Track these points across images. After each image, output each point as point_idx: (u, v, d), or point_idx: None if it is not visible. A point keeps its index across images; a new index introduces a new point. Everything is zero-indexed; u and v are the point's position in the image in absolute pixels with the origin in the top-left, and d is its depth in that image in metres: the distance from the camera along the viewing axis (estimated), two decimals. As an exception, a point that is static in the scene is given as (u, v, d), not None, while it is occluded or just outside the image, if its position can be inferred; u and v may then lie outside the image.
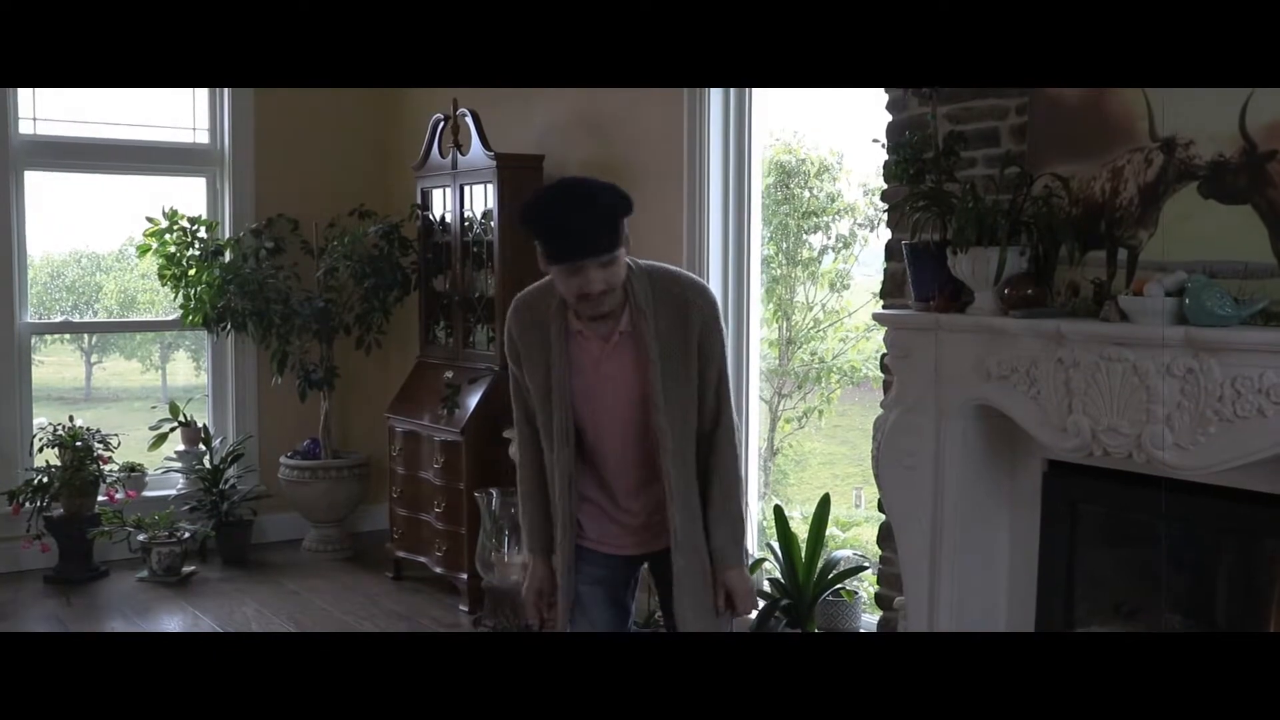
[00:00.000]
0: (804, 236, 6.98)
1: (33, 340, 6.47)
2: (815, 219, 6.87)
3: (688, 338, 2.83)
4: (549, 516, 3.03)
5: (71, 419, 6.19)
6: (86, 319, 7.15)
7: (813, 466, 7.85)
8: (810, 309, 7.26)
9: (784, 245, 6.96)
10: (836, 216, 6.83)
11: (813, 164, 6.67)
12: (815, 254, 7.14)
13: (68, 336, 7.17)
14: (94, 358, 7.73)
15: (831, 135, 6.65)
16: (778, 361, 7.27)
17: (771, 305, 7.02)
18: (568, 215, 2.69)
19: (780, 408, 7.37)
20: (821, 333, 7.40)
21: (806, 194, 6.81)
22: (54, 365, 7.66)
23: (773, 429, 7.26)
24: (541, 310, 2.90)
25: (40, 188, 6.43)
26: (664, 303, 2.83)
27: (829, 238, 6.94)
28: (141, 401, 6.63)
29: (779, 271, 7.01)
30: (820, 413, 7.30)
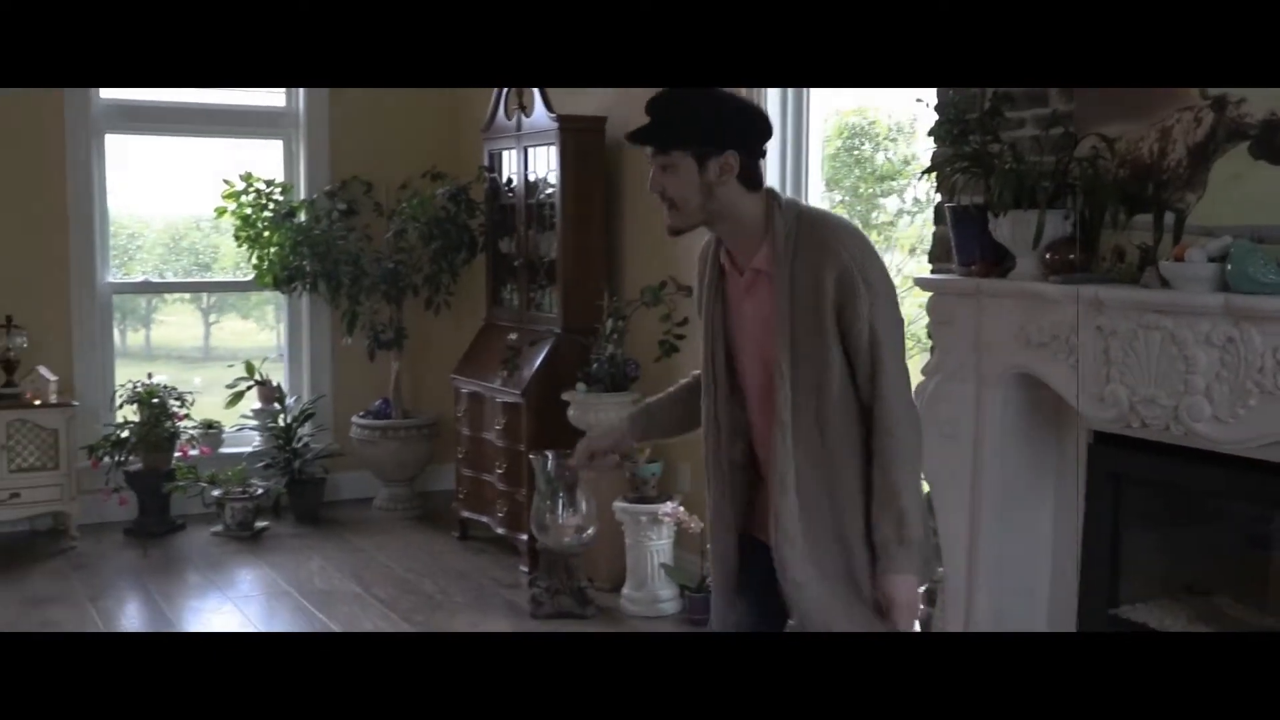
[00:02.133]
0: (878, 200, 6.85)
1: (152, 301, 6.69)
2: (889, 183, 6.73)
3: (822, 288, 2.50)
4: (662, 407, 2.91)
5: (150, 376, 6.35)
6: (204, 279, 7.36)
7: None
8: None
9: (857, 209, 6.83)
10: (912, 180, 6.68)
11: (884, 125, 6.52)
12: (891, 218, 7.00)
13: (187, 298, 7.39)
14: (211, 318, 7.91)
15: (905, 94, 6.49)
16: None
17: (845, 270, 6.90)
18: (658, 98, 2.58)
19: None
20: (900, 298, 7.28)
21: (880, 156, 6.67)
22: (175, 325, 7.88)
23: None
24: (707, 248, 2.75)
25: (143, 153, 6.66)
26: (805, 246, 2.54)
27: (904, 201, 6.80)
28: (256, 361, 6.78)
29: (853, 236, 6.89)
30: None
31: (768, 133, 2.62)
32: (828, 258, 2.50)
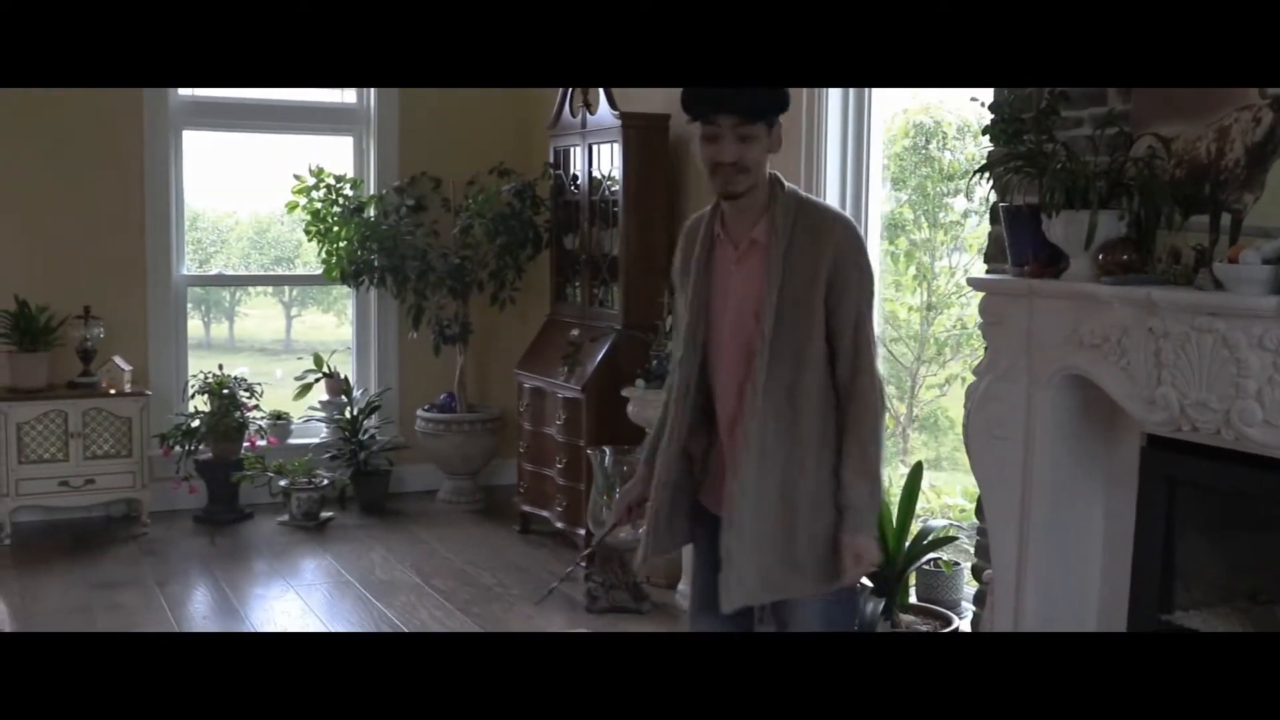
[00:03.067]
0: (945, 200, 6.79)
1: (236, 294, 6.84)
2: (956, 182, 6.67)
3: (817, 270, 2.72)
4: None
5: (221, 367, 6.49)
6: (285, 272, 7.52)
7: (956, 434, 7.66)
8: (953, 274, 7.06)
9: (924, 208, 6.79)
10: (977, 178, 6.62)
11: (951, 123, 6.47)
12: (959, 217, 6.94)
13: (269, 291, 7.55)
14: (293, 311, 8.07)
15: (969, 94, 6.44)
16: (918, 327, 7.11)
17: (912, 269, 6.86)
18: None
19: (921, 374, 7.22)
20: (966, 299, 7.21)
21: (947, 155, 6.61)
22: (258, 318, 8.06)
23: (912, 394, 7.11)
24: (697, 224, 2.94)
25: (221, 148, 6.83)
26: (802, 227, 2.75)
27: (971, 201, 6.73)
28: (328, 354, 6.91)
29: (919, 236, 6.84)
30: (962, 379, 7.12)
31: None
32: (826, 238, 2.73)
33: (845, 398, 2.78)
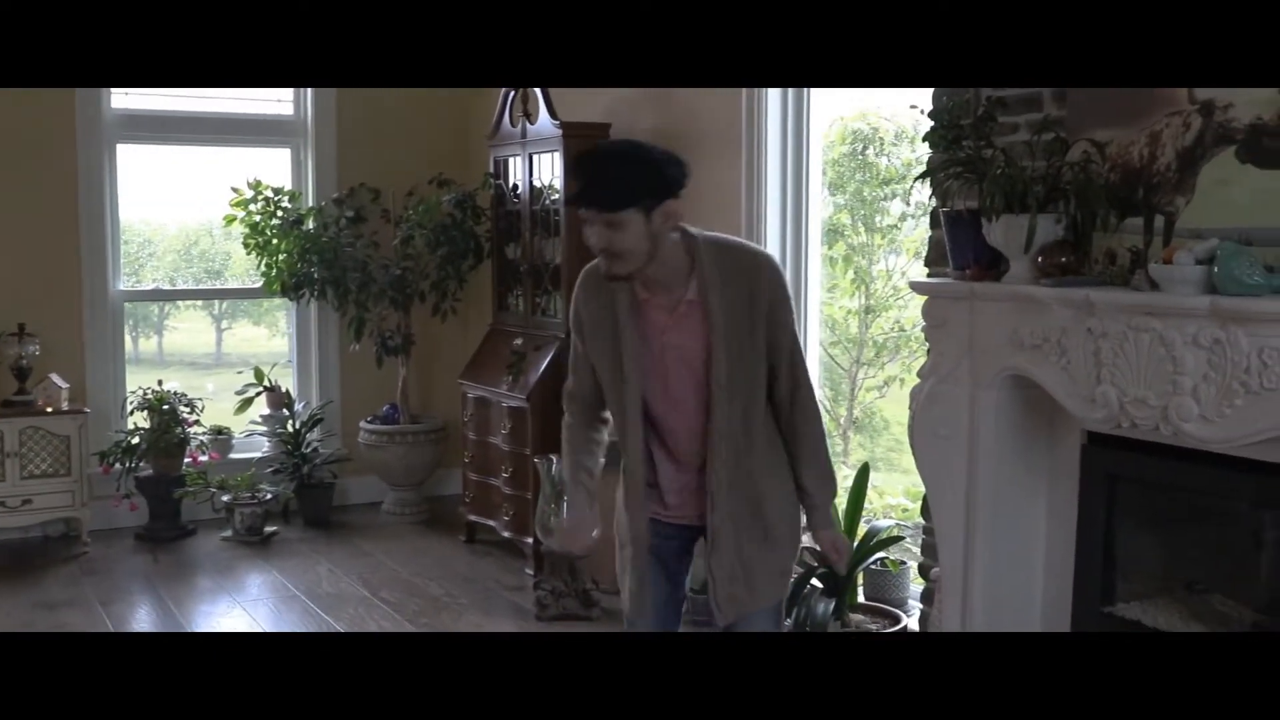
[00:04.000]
0: (882, 204, 6.89)
1: (164, 308, 6.77)
2: (894, 186, 6.77)
3: (755, 307, 2.86)
4: (594, 467, 3.28)
5: (160, 383, 6.42)
6: (215, 286, 7.46)
7: (896, 434, 7.76)
8: (890, 277, 7.16)
9: (860, 213, 6.88)
10: (916, 184, 6.72)
11: (887, 130, 6.57)
12: (895, 221, 7.04)
13: (198, 304, 7.47)
14: (223, 324, 7.98)
15: (908, 100, 6.54)
16: (857, 330, 7.21)
17: (850, 273, 6.94)
18: (591, 162, 2.79)
19: (860, 376, 7.31)
20: (903, 301, 7.31)
21: (884, 161, 6.71)
22: (187, 332, 7.94)
23: (852, 397, 7.20)
24: (598, 278, 2.93)
25: (155, 160, 6.76)
26: (731, 273, 2.86)
27: (908, 205, 6.84)
28: (265, 367, 6.86)
29: (856, 240, 6.94)
30: (901, 381, 7.22)
31: (688, 174, 2.84)
32: (756, 281, 2.86)
33: (790, 411, 2.97)
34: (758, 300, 2.86)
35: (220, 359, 7.91)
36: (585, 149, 2.86)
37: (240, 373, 6.86)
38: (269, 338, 7.82)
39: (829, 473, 3.02)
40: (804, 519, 3.06)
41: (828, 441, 3.06)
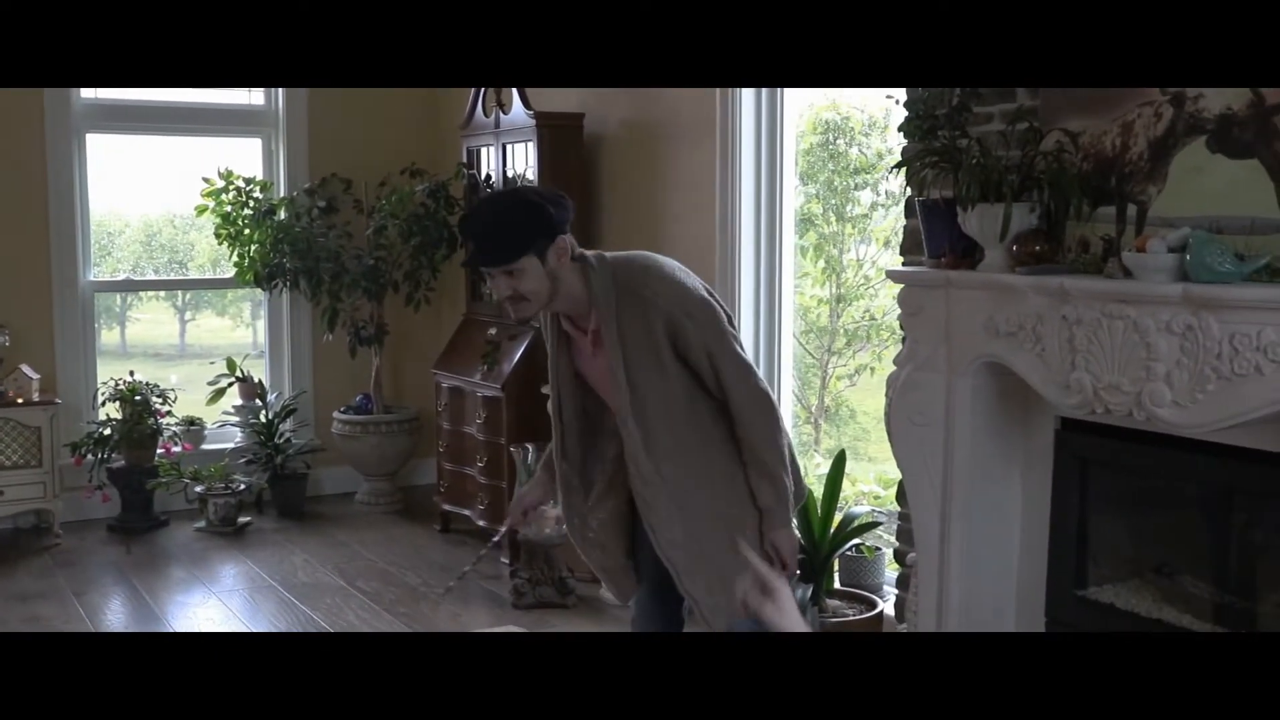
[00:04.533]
0: (853, 193, 6.94)
1: (127, 299, 6.72)
2: (865, 175, 6.82)
3: (651, 330, 2.92)
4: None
5: (132, 374, 6.39)
6: (178, 276, 7.41)
7: (864, 423, 7.82)
8: (860, 266, 7.22)
9: (832, 203, 6.93)
10: (887, 173, 6.77)
11: (859, 120, 6.62)
12: (866, 211, 7.09)
13: (162, 295, 7.43)
14: (187, 315, 7.94)
15: (879, 90, 6.59)
16: (828, 320, 7.26)
17: (821, 263, 6.99)
18: (475, 224, 2.95)
19: (831, 365, 7.36)
20: (874, 290, 7.37)
21: (854, 151, 6.76)
22: (150, 323, 7.90)
23: (823, 385, 7.25)
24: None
25: (122, 150, 6.70)
26: (625, 299, 2.93)
27: (878, 194, 6.89)
28: (231, 358, 6.83)
29: (827, 229, 6.98)
30: (872, 370, 7.28)
31: (572, 210, 2.96)
32: (648, 308, 2.91)
33: (732, 417, 3.02)
34: (653, 323, 2.91)
35: (184, 350, 7.88)
36: (473, 208, 3.00)
37: (212, 363, 6.84)
38: (233, 329, 7.79)
39: (774, 475, 3.02)
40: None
41: (781, 439, 3.06)
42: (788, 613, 2.38)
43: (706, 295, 3.01)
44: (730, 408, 2.99)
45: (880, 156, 6.84)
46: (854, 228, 7.12)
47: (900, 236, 4.47)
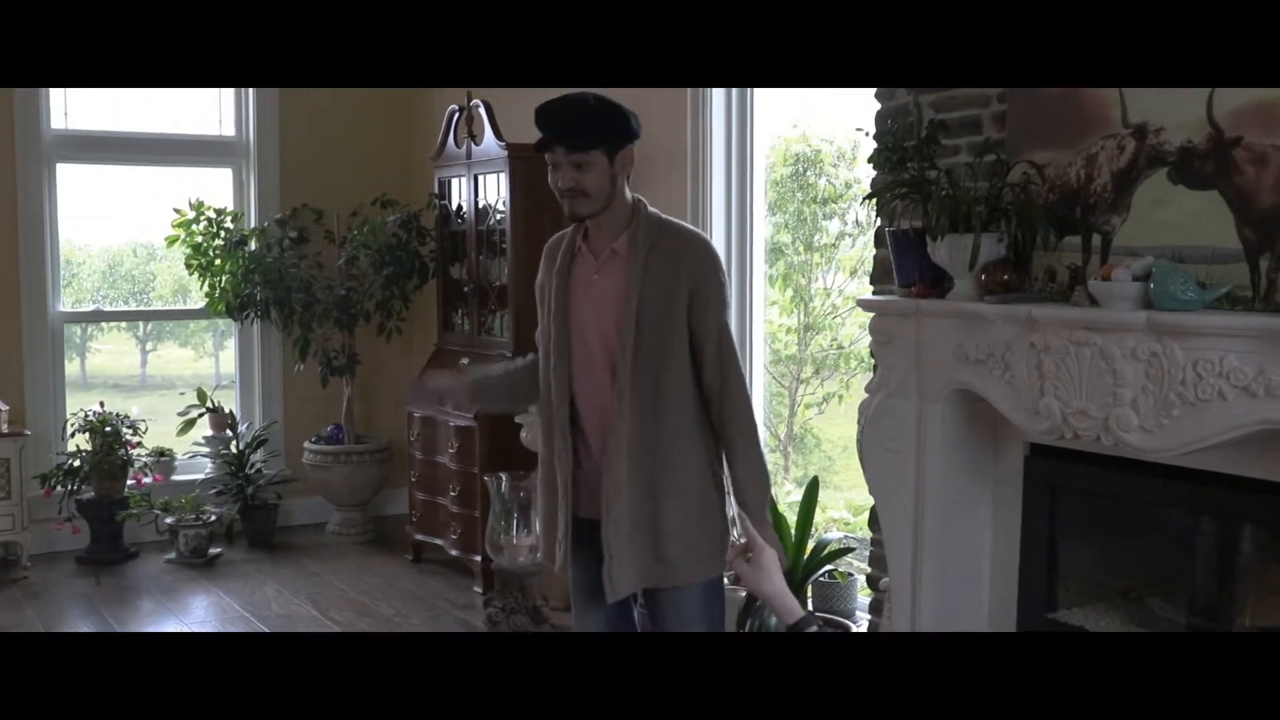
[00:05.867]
0: (821, 223, 7.02)
1: (88, 329, 6.70)
2: (832, 205, 6.91)
3: (676, 284, 2.94)
4: (496, 381, 3.39)
5: (102, 405, 6.37)
6: (141, 307, 7.39)
7: (829, 451, 7.88)
8: (829, 295, 7.29)
9: (800, 233, 7.01)
10: (853, 203, 6.86)
11: (828, 152, 6.71)
12: (833, 240, 7.18)
13: (123, 325, 7.41)
14: (149, 345, 7.91)
15: (848, 122, 6.68)
16: (796, 348, 7.32)
17: (789, 292, 7.07)
18: (561, 105, 2.94)
19: (799, 394, 7.43)
20: (841, 319, 7.44)
21: (823, 181, 6.85)
22: (111, 354, 7.86)
23: (792, 414, 7.31)
24: (559, 241, 3.13)
25: (89, 180, 6.68)
26: (663, 245, 2.97)
27: (845, 224, 6.98)
28: (196, 389, 6.81)
29: (796, 258, 7.06)
30: (840, 398, 7.35)
31: (641, 128, 3.01)
32: (686, 253, 2.95)
33: (720, 402, 3.01)
34: (680, 278, 2.94)
35: (145, 381, 7.86)
36: (549, 100, 2.95)
37: (182, 393, 6.83)
38: (196, 359, 7.78)
39: (761, 469, 3.06)
40: (734, 512, 3.01)
41: (758, 435, 3.10)
42: (771, 574, 2.43)
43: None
44: (725, 393, 2.99)
45: (848, 186, 6.94)
46: (821, 256, 7.20)
47: (868, 265, 4.56)
